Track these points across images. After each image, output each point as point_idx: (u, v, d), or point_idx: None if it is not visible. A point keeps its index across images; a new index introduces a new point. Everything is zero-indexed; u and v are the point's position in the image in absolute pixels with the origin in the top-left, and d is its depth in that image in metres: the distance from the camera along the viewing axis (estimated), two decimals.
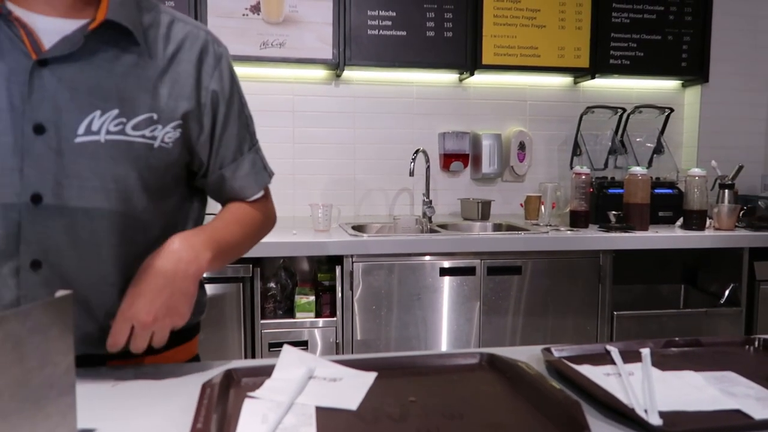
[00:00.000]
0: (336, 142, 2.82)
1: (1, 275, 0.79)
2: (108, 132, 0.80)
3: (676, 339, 0.99)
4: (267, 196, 1.03)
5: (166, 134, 0.85)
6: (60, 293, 0.63)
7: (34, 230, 0.79)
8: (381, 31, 2.58)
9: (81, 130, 0.79)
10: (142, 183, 0.84)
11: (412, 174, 2.56)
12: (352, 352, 2.18)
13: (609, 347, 0.93)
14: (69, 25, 0.80)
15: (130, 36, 0.82)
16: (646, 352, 0.87)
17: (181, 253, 0.82)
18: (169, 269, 0.81)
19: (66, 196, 0.79)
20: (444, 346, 2.25)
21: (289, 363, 0.85)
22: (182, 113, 0.86)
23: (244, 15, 2.47)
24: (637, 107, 2.86)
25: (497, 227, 2.68)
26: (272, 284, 2.26)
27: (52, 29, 0.79)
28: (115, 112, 0.81)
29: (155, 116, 0.83)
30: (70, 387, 0.63)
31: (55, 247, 0.81)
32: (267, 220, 1.03)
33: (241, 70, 2.66)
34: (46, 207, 0.79)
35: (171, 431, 0.67)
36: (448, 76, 2.87)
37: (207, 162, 0.93)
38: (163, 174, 0.87)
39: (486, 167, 2.85)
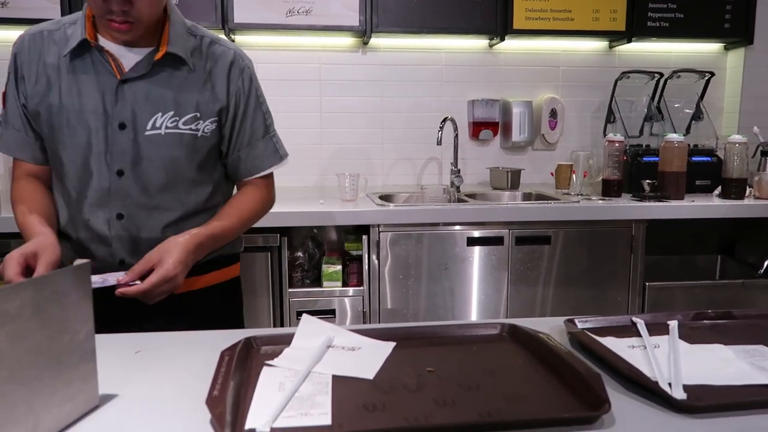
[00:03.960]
0: (363, 111, 2.79)
1: (99, 222, 1.14)
2: (166, 127, 1.13)
3: (707, 311, 0.96)
4: (270, 178, 1.29)
5: (206, 127, 1.17)
6: (78, 262, 0.63)
7: (118, 194, 1.13)
8: None
9: (149, 126, 1.12)
10: (190, 161, 1.16)
11: (440, 143, 2.53)
12: (379, 322, 2.19)
13: (635, 319, 0.91)
14: (140, 52, 1.12)
15: (183, 60, 1.14)
16: (673, 324, 0.85)
17: (191, 255, 1.08)
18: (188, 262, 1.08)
19: (139, 171, 1.13)
20: (473, 316, 2.24)
21: (308, 332, 0.85)
22: (217, 110, 1.18)
23: None
24: (675, 72, 2.74)
25: (527, 196, 2.64)
26: (300, 253, 2.28)
27: (128, 56, 1.12)
28: (171, 113, 1.13)
29: (198, 114, 1.15)
30: (90, 354, 0.64)
31: (132, 204, 1.14)
32: (266, 202, 1.28)
33: (266, 39, 2.66)
34: (126, 178, 1.13)
35: (190, 398, 0.68)
36: (478, 42, 2.79)
37: (228, 145, 1.22)
38: (205, 155, 1.18)
39: (516, 135, 2.79)
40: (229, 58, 1.19)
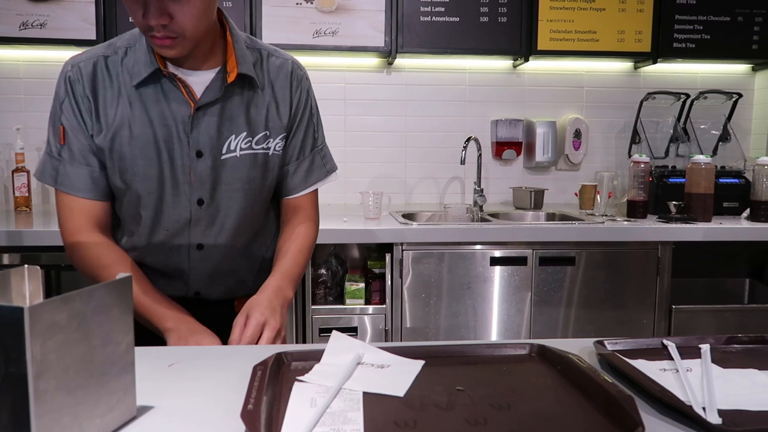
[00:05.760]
0: (387, 130, 2.82)
1: (178, 254, 1.14)
2: (241, 149, 1.12)
3: (739, 335, 0.95)
4: (315, 196, 1.27)
5: (276, 144, 1.16)
6: (120, 275, 0.65)
7: (197, 223, 1.13)
8: (434, 18, 2.55)
9: (224, 150, 1.10)
10: (264, 180, 1.16)
11: (463, 162, 2.54)
12: (401, 340, 2.19)
13: (666, 342, 0.90)
14: (208, 75, 1.09)
15: (251, 78, 1.11)
16: (705, 347, 0.84)
17: (275, 300, 1.09)
18: (275, 305, 1.08)
19: (218, 197, 1.12)
20: (494, 336, 2.23)
21: (338, 349, 0.86)
22: (286, 126, 1.16)
23: (297, 4, 2.49)
24: (702, 93, 2.73)
25: (550, 217, 2.63)
26: (323, 271, 2.29)
27: (198, 81, 1.08)
28: (244, 134, 1.11)
29: (268, 133, 1.14)
30: (130, 365, 0.66)
31: (211, 234, 1.14)
32: (316, 230, 1.26)
33: None
34: (207, 207, 1.12)
35: (223, 411, 0.69)
36: (502, 63, 2.82)
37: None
38: (276, 173, 1.19)
39: (540, 155, 2.79)
40: (288, 69, 1.17)
